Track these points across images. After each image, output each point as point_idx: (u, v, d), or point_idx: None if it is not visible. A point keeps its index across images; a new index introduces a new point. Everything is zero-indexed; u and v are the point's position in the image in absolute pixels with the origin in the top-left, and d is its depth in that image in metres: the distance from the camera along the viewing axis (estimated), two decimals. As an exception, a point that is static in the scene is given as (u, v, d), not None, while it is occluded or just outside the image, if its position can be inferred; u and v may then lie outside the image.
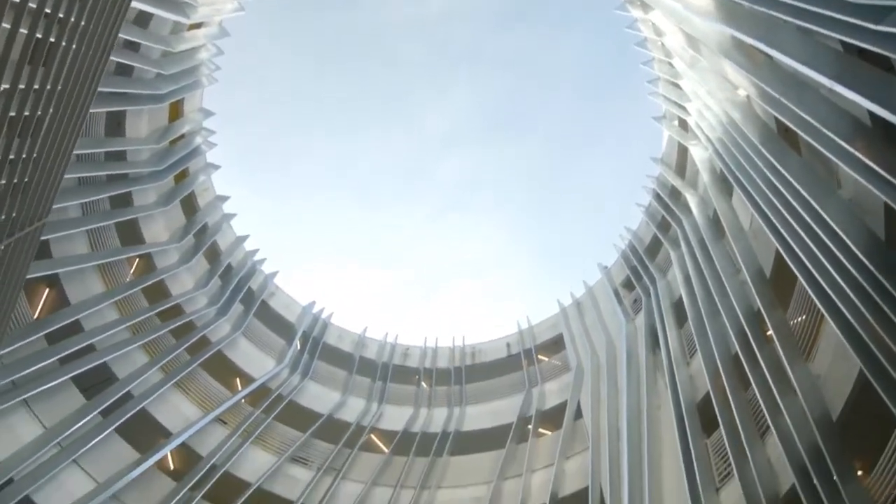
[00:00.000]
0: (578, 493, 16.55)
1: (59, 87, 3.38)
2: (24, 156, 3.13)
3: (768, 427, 10.95)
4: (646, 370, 16.28)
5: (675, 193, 18.66)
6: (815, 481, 9.06)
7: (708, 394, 13.23)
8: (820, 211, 8.70)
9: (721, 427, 12.26)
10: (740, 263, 12.80)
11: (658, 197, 19.57)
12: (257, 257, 24.38)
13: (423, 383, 24.59)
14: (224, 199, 23.32)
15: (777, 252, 11.53)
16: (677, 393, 14.22)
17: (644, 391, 15.82)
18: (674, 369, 14.82)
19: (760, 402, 11.14)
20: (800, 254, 9.81)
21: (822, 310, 9.32)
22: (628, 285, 21.34)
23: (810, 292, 9.66)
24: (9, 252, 3.68)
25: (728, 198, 14.56)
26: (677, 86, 16.60)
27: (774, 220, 10.70)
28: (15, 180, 3.19)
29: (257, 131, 62.15)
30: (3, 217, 3.31)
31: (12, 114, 2.92)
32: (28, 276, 13.30)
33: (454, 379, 24.21)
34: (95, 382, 15.63)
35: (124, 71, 16.16)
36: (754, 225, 13.04)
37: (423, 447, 20.78)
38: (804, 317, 10.99)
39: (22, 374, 12.93)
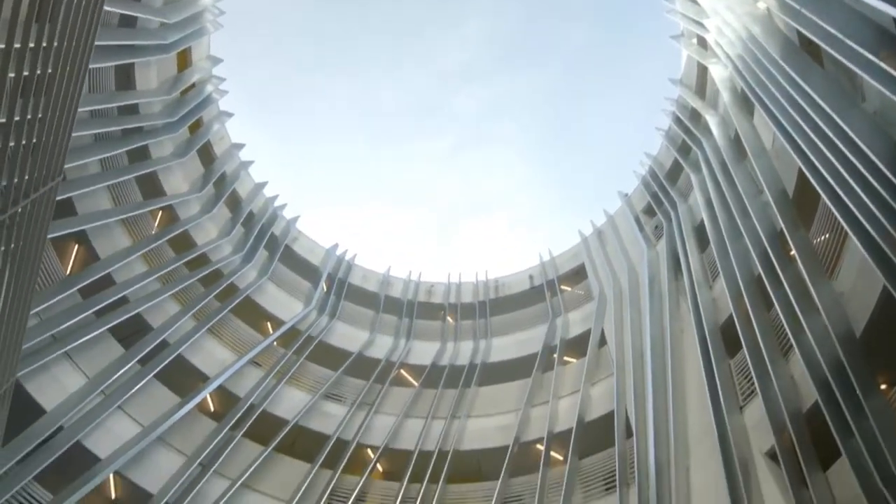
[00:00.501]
0: (604, 417, 16.95)
1: (56, 44, 3.37)
2: (28, 117, 3.16)
3: (791, 346, 11.01)
4: (668, 295, 16.32)
5: (696, 115, 18.19)
6: (838, 396, 9.15)
7: (731, 316, 13.27)
8: (843, 126, 8.44)
9: (744, 348, 12.35)
10: (762, 184, 12.56)
11: (678, 120, 19.10)
12: (277, 203, 24.59)
13: (448, 318, 25.01)
14: (240, 146, 23.37)
15: (800, 170, 11.27)
16: (700, 316, 14.28)
17: (667, 316, 15.91)
18: (696, 293, 14.84)
19: (783, 321, 11.16)
20: (823, 171, 9.57)
21: (846, 227, 9.16)
22: (649, 211, 21.16)
23: (833, 210, 9.48)
24: (27, 214, 3.78)
25: (749, 117, 14.15)
26: (695, 1, 15.91)
27: (797, 138, 10.41)
28: (24, 142, 3.23)
29: (268, 74, 61.40)
30: (16, 180, 3.39)
31: (12, 74, 2.94)
32: (56, 234, 13.68)
33: (479, 313, 24.56)
34: (131, 332, 16.19)
35: (128, 22, 15.97)
36: (776, 144, 12.71)
37: (451, 379, 21.34)
38: (827, 235, 10.84)
39: (60, 328, 13.42)
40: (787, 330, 10.98)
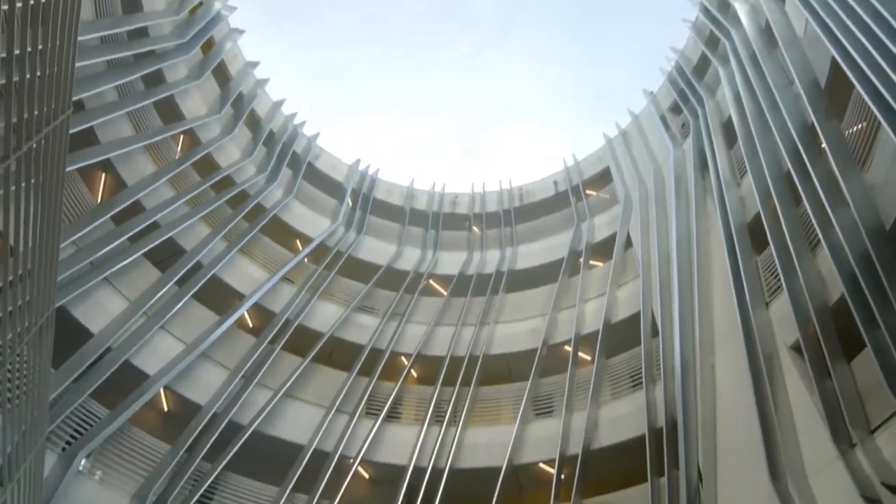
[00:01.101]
0: (630, 318, 17.24)
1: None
2: (29, 49, 3.15)
3: (819, 241, 10.89)
4: (695, 194, 16.08)
5: (724, 5, 17.20)
6: (865, 289, 9.12)
7: (758, 213, 13.09)
8: (880, 8, 7.95)
9: (771, 244, 12.24)
10: (793, 75, 12.00)
11: (705, 10, 18.11)
12: (296, 121, 24.42)
13: (474, 228, 25.15)
14: (254, 64, 23.00)
15: (833, 59, 10.72)
16: (727, 214, 14.11)
17: (693, 215, 15.75)
18: (723, 191, 14.59)
19: (811, 216, 10.99)
20: (857, 58, 9.12)
21: (879, 116, 8.81)
22: (675, 109, 20.50)
23: (867, 99, 9.08)
24: (41, 149, 3.85)
25: (780, 4, 13.35)
26: None
27: (830, 24, 9.86)
28: (28, 76, 3.25)
29: (278, -15, 59.31)
30: (26, 116, 3.43)
31: (5, 7, 2.91)
32: (81, 165, 13.89)
33: (504, 221, 24.62)
34: (166, 256, 16.69)
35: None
36: (809, 31, 12.04)
37: (479, 287, 21.75)
38: (860, 126, 10.45)
39: (98, 255, 13.90)
40: (815, 224, 10.82)
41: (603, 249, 20.78)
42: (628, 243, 19.55)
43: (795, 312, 10.90)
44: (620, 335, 17.30)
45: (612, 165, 22.94)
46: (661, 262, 16.47)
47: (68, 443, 12.59)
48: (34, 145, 3.61)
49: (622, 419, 15.50)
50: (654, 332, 15.75)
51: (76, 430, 12.89)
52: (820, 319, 10.33)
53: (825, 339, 10.14)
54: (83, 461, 12.78)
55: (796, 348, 11.07)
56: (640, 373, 15.62)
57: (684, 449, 12.70)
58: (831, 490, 9.53)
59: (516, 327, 20.17)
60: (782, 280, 11.51)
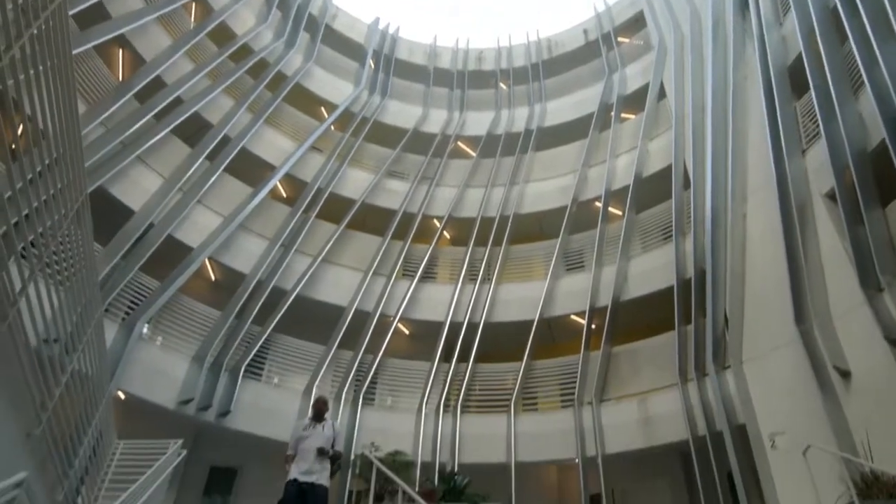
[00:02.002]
0: (661, 171, 16.99)
1: None
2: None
3: (862, 82, 10.33)
4: (733, 38, 15.11)
5: None
6: (907, 132, 8.78)
7: (800, 55, 12.35)
8: None
9: (811, 88, 11.67)
10: None
11: None
12: (308, -21, 23.16)
13: (501, 85, 24.35)
14: (259, -83, 21.48)
15: None
16: (766, 57, 13.34)
17: (731, 61, 14.92)
18: (764, 31, 13.69)
19: (856, 54, 10.34)
20: None
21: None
22: (717, -59, 18.72)
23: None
24: (43, 33, 3.82)
25: None
26: None
27: None
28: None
29: None
30: (20, 1, 3.38)
31: None
32: (96, 42, 13.65)
33: (532, 76, 23.73)
34: (194, 132, 16.75)
35: None
36: None
37: (508, 147, 21.50)
38: (918, -51, 9.47)
39: (127, 133, 14.01)
40: (860, 63, 10.21)
41: (635, 101, 20.06)
42: (661, 93, 18.80)
43: (832, 159, 10.62)
44: (651, 189, 17.18)
45: (646, 9, 21.47)
46: (696, 111, 15.90)
47: (127, 313, 13.52)
48: (34, 31, 3.59)
49: (651, 272, 15.81)
50: (686, 185, 15.59)
51: (132, 302, 13.78)
52: (857, 166, 10.07)
53: (861, 185, 9.94)
54: (145, 328, 13.81)
55: (831, 196, 10.90)
56: (671, 226, 15.68)
57: (712, 297, 13.03)
58: (856, 332, 9.81)
59: (546, 185, 20.14)
60: (821, 126, 11.11)
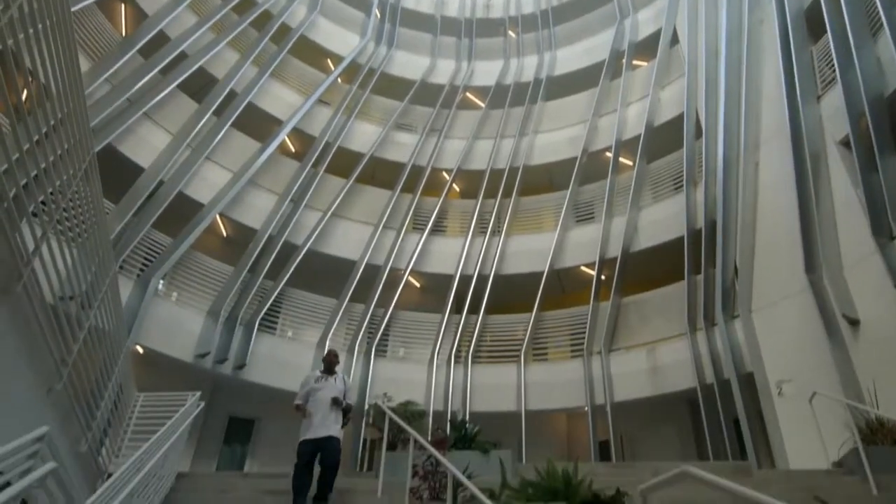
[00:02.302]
0: (673, 120, 16.72)
1: None
2: None
3: (881, 25, 10.02)
4: (749, -21, 14.63)
5: None
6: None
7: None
8: None
9: (828, 32, 11.34)
10: None
11: None
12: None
13: (509, 33, 23.79)
14: None
15: None
16: (783, 0, 12.94)
17: (746, 4, 14.50)
18: (781, -28, 13.23)
19: (876, -5, 10.01)
20: None
21: None
22: None
23: None
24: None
25: None
26: None
27: None
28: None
29: None
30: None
31: None
32: (96, -4, 13.44)
33: (541, 23, 23.13)
34: (199, 87, 16.61)
35: None
36: None
37: (517, 97, 21.17)
38: None
39: (133, 90, 13.93)
40: (879, 5, 9.89)
41: (646, 47, 19.57)
42: (674, 39, 18.33)
43: (848, 106, 10.41)
44: (663, 138, 16.94)
45: (660, -51, 20.73)
46: (709, 58, 15.54)
47: (141, 270, 13.72)
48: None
49: (662, 222, 15.74)
50: (698, 134, 15.36)
51: (146, 259, 13.97)
52: (873, 113, 9.89)
53: (877, 132, 9.77)
54: (160, 284, 14.03)
55: (845, 143, 10.73)
56: (682, 176, 15.52)
57: (722, 247, 13.00)
58: (866, 281, 9.81)
59: (556, 136, 19.90)
60: (837, 71, 10.84)
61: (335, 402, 6.51)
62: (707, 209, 14.02)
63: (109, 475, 7.93)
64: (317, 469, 6.36)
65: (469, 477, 6.15)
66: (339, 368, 7.08)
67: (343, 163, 18.72)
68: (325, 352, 7.52)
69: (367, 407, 13.36)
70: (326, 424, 6.43)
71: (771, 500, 1.90)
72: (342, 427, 6.66)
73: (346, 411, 6.74)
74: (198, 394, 9.04)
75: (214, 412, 14.60)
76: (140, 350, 13.08)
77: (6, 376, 4.77)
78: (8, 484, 2.55)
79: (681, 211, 14.97)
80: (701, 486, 2.49)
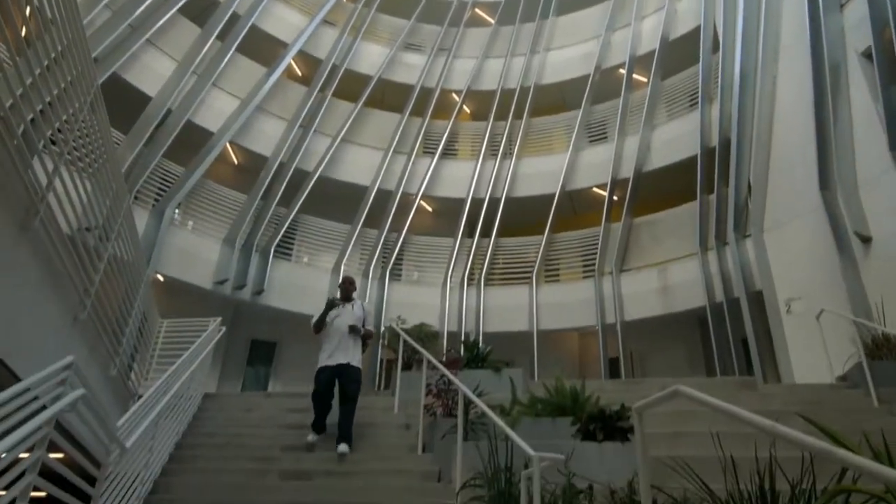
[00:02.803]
0: (690, 34, 16.15)
1: None
2: None
3: (912, -75, 9.46)
4: None
5: None
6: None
7: None
8: None
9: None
10: None
11: None
12: None
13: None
14: None
15: None
16: None
17: None
18: None
19: None
20: None
21: None
22: None
23: None
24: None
25: None
26: None
27: None
28: None
29: None
30: None
31: None
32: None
33: (553, -69, 21.97)
34: (200, 10, 16.16)
35: None
36: None
37: (528, 12, 20.42)
38: None
39: (134, 16, 13.61)
40: None
41: (664, -46, 18.63)
42: (693, -55, 17.40)
43: (872, 15, 10.00)
44: (678, 53, 16.41)
45: None
46: (729, -36, 14.79)
47: (156, 200, 13.88)
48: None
49: (675, 141, 15.50)
50: (715, 48, 14.85)
51: (160, 189, 14.10)
52: (897, 21, 9.46)
53: (900, 42, 9.39)
54: (175, 213, 14.22)
55: (867, 55, 10.36)
56: (697, 92, 15.14)
57: (736, 166, 12.86)
58: (880, 198, 9.72)
59: (568, 53, 19.33)
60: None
61: (352, 329, 6.38)
62: (722, 126, 13.76)
63: (140, 397, 8.39)
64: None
65: (480, 395, 6.42)
66: (356, 295, 6.93)
67: (351, 86, 18.40)
68: (341, 279, 7.15)
69: (382, 329, 13.74)
70: (345, 352, 6.29)
71: (759, 419, 2.01)
72: (363, 352, 6.59)
73: (366, 338, 6.59)
74: (219, 319, 9.35)
75: (236, 336, 15.10)
76: (161, 278, 13.43)
77: (34, 308, 4.99)
78: (44, 408, 2.74)
79: (695, 129, 14.70)
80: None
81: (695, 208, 14.08)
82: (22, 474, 2.51)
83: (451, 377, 5.96)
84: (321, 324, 6.56)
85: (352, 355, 6.35)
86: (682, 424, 6.07)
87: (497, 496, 4.19)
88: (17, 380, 4.70)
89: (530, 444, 4.00)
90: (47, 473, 2.69)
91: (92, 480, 3.43)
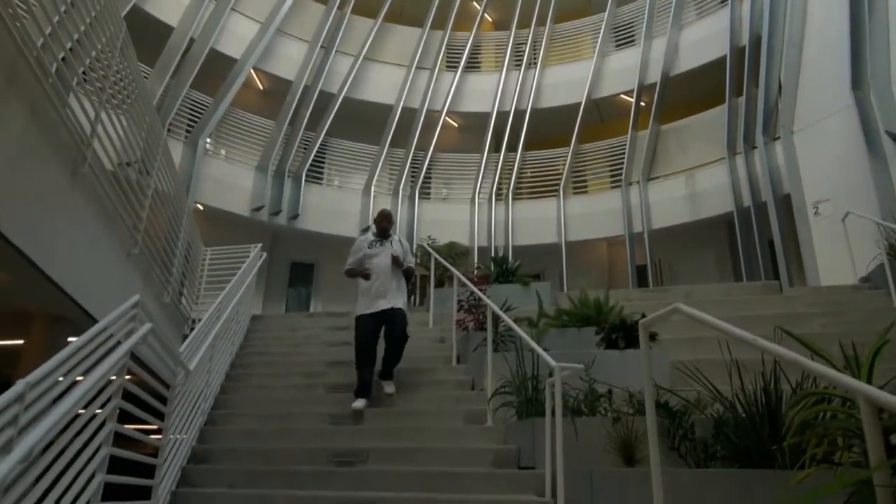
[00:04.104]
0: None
1: None
2: None
3: None
4: None
5: None
6: None
7: None
8: None
9: None
10: None
11: None
12: None
13: None
14: None
15: None
16: None
17: None
18: None
19: None
20: None
21: None
22: None
23: None
24: None
25: None
26: None
27: None
28: None
29: None
30: None
31: None
32: None
33: None
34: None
35: None
36: None
37: None
38: None
39: (147, -58, 13.46)
40: None
41: None
42: None
43: None
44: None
45: None
46: None
47: (188, 131, 14.19)
48: None
49: (704, 41, 15.01)
50: (748, -62, 14.04)
51: (191, 120, 14.39)
52: None
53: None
54: (207, 143, 14.56)
55: (907, -59, 9.79)
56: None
57: (766, 66, 12.51)
58: (914, 95, 9.47)
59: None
60: None
61: (395, 262, 5.70)
62: (753, 24, 13.26)
63: (193, 321, 9.05)
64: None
65: (508, 309, 6.83)
66: (393, 231, 6.17)
67: (370, 2, 17.98)
68: (377, 214, 6.15)
69: (414, 249, 14.18)
70: (389, 295, 5.58)
71: (743, 333, 2.26)
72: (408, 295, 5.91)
73: (409, 275, 5.97)
74: (259, 245, 9.84)
75: (277, 259, 15.75)
76: (200, 207, 13.95)
77: (93, 247, 5.46)
78: (118, 343, 3.16)
79: (724, 28, 14.18)
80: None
81: (723, 112, 13.82)
82: (108, 400, 2.97)
83: (480, 294, 6.32)
84: (352, 274, 5.84)
85: (396, 297, 5.63)
86: (703, 329, 6.37)
87: (525, 402, 4.63)
88: (85, 313, 5.25)
89: (556, 353, 4.38)
90: (127, 396, 3.16)
91: (163, 399, 3.93)
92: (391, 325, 5.51)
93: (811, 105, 11.41)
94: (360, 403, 5.26)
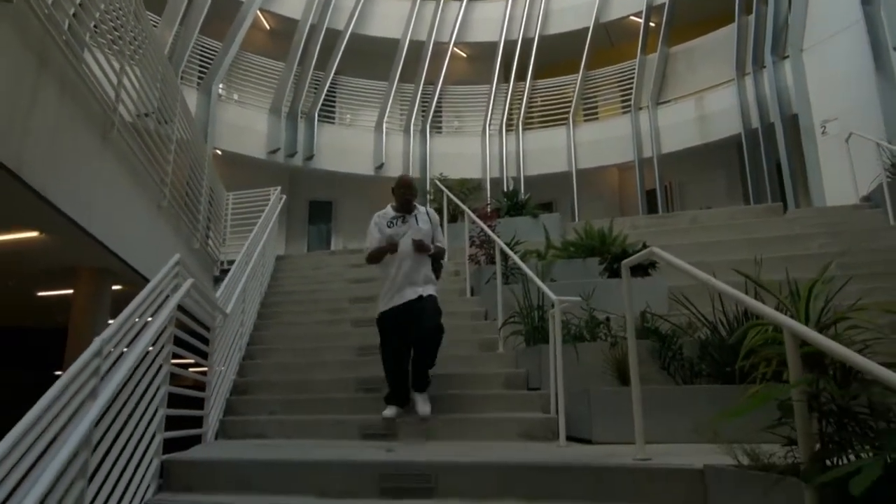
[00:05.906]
0: None
1: None
2: None
3: None
4: None
5: None
6: None
7: None
8: None
9: None
10: None
11: None
12: None
13: None
14: None
15: None
16: None
17: None
18: None
19: None
20: None
21: None
22: None
23: None
24: None
25: None
26: None
27: None
28: None
29: None
30: None
31: None
32: None
33: None
34: None
35: None
36: None
37: None
38: None
39: None
40: None
41: None
42: None
43: None
44: None
45: None
46: None
47: (200, 78, 14.37)
48: None
49: (715, -43, 14.59)
50: None
51: (202, 67, 14.53)
52: None
53: None
54: (220, 88, 14.75)
55: None
56: None
57: (777, -20, 12.25)
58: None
59: None
60: None
61: (420, 246, 4.49)
62: (764, -63, 12.89)
63: (221, 262, 9.61)
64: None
65: (517, 243, 7.25)
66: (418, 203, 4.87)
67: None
68: (396, 181, 4.83)
69: (427, 186, 14.49)
70: (415, 282, 4.46)
71: (698, 273, 2.60)
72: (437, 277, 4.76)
73: (438, 258, 4.74)
74: (279, 188, 10.24)
75: (296, 199, 16.18)
76: (219, 153, 14.30)
77: (127, 204, 5.92)
78: (167, 298, 3.63)
79: (736, -58, 13.78)
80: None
81: (732, 31, 13.64)
82: (162, 347, 3.47)
83: (489, 232, 6.72)
84: (379, 254, 4.60)
85: (424, 284, 4.52)
86: (703, 254, 6.73)
87: (532, 330, 5.11)
88: (125, 264, 5.77)
89: (562, 283, 4.79)
90: (175, 341, 3.66)
91: (205, 340, 4.44)
92: (419, 319, 4.36)
93: (821, 22, 11.27)
94: (390, 412, 4.36)
